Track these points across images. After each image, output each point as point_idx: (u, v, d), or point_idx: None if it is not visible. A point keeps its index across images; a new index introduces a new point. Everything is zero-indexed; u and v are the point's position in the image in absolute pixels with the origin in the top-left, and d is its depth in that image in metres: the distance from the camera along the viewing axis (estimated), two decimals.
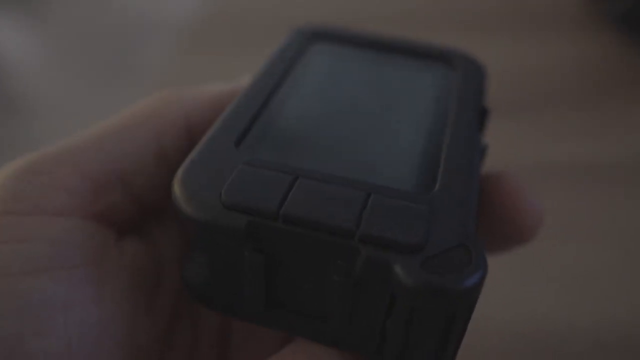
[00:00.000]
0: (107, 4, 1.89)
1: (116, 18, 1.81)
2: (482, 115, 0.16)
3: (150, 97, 0.15)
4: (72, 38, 1.75)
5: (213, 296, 0.13)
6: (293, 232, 0.11)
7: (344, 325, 0.12)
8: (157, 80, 0.44)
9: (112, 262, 0.13)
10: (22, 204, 0.12)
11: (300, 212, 0.11)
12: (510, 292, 0.26)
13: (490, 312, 0.25)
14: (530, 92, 0.37)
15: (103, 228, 0.14)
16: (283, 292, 0.13)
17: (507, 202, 0.15)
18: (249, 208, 0.11)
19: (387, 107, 0.15)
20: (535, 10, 0.45)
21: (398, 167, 0.13)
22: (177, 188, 0.12)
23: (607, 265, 0.27)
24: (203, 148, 0.13)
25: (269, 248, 0.12)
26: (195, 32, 0.51)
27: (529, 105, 0.36)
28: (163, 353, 0.14)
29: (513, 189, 0.15)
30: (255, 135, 0.14)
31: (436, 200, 0.12)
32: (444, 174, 0.13)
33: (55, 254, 0.12)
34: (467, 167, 0.13)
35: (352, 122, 0.14)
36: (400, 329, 0.12)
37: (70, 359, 0.12)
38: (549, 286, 0.26)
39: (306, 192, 0.12)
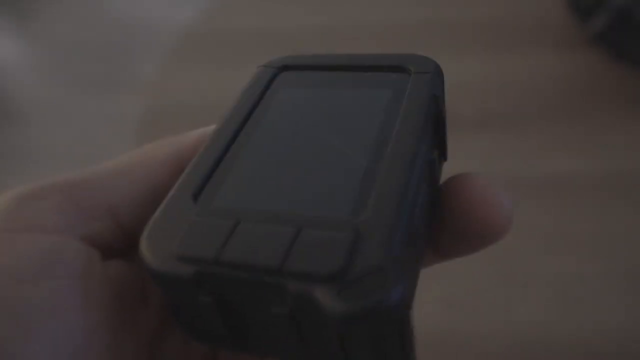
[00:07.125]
0: (99, 12, 1.89)
1: (108, 26, 1.81)
2: (434, 121, 0.16)
3: (146, 144, 0.16)
4: (63, 46, 1.74)
5: (196, 330, 0.15)
6: (231, 276, 0.12)
7: (302, 352, 0.13)
8: (148, 88, 0.44)
9: (97, 275, 0.14)
10: (17, 223, 0.14)
11: (235, 256, 0.12)
12: (500, 304, 0.26)
13: (481, 324, 0.26)
14: (514, 107, 0.38)
15: (90, 248, 0.15)
16: (242, 325, 0.14)
17: (475, 200, 0.15)
18: (195, 258, 0.13)
19: (339, 134, 0.16)
20: (519, 26, 0.46)
21: (336, 194, 0.14)
22: (141, 245, 0.14)
23: (594, 275, 0.27)
24: (164, 206, 0.15)
25: (217, 291, 0.13)
26: (186, 43, 0.51)
27: (511, 120, 0.37)
28: None
29: (480, 187, 0.15)
30: (212, 185, 0.15)
31: (363, 224, 0.13)
32: (375, 196, 0.13)
33: (42, 265, 0.13)
34: (401, 183, 0.13)
35: (302, 157, 0.15)
36: (342, 352, 0.13)
37: None
38: (537, 297, 0.26)
39: (243, 236, 0.13)
